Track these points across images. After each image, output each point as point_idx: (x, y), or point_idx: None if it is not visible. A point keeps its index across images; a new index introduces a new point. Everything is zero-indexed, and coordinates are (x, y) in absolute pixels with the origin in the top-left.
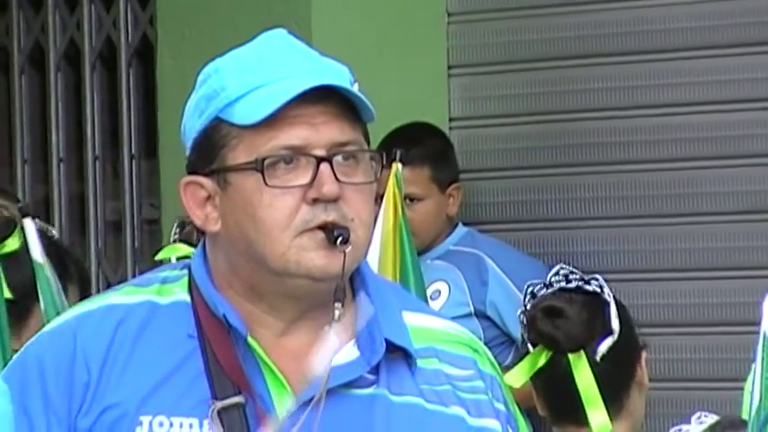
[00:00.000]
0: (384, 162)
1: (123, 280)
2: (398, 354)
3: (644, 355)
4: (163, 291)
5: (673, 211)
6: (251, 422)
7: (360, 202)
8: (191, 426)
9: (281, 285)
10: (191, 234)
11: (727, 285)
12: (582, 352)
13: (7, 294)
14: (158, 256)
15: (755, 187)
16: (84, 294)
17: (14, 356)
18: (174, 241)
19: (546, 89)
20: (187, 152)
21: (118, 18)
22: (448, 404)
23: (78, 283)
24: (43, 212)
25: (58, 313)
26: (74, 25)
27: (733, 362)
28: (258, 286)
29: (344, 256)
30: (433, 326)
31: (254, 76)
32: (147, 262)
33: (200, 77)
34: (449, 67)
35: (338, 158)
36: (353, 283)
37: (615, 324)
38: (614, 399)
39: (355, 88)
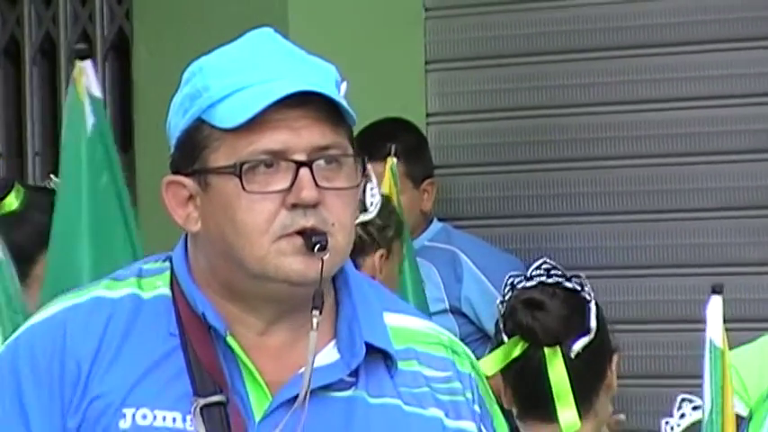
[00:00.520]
0: (366, 163)
1: None
2: (378, 355)
3: (615, 358)
4: (144, 284)
5: (650, 208)
6: (231, 421)
7: (340, 206)
8: (174, 420)
9: (259, 288)
10: None
11: (702, 282)
12: (558, 347)
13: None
14: None
15: (733, 184)
16: None
17: (3, 346)
18: None
19: (524, 85)
20: (171, 149)
21: (94, 12)
22: (426, 406)
23: None
24: None
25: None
26: (49, 19)
27: None
28: (237, 288)
29: (322, 263)
30: (413, 326)
31: (236, 78)
32: None
33: (185, 75)
34: (426, 63)
35: (320, 163)
36: (336, 282)
37: (593, 323)
38: (584, 398)
39: (343, 88)
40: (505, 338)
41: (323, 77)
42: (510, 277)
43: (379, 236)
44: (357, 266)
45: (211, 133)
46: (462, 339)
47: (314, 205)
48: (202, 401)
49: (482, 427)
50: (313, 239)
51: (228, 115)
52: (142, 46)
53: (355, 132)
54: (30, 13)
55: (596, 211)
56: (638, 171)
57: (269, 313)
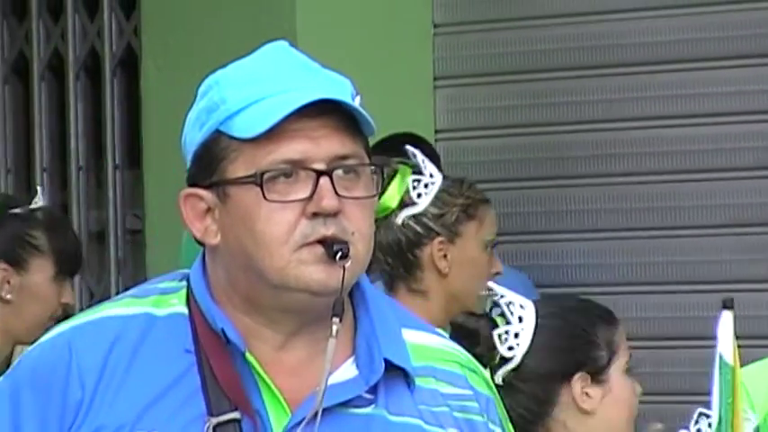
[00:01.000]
0: (384, 173)
1: (106, 290)
2: (397, 372)
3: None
4: (160, 302)
5: (658, 224)
6: None
7: (360, 215)
8: None
9: (279, 299)
10: None
11: (710, 298)
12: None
13: None
14: None
15: (741, 200)
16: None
17: (11, 367)
18: None
19: (532, 101)
20: (187, 164)
21: (102, 28)
22: (445, 426)
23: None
24: None
25: None
26: (58, 35)
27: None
28: (256, 300)
29: (344, 271)
30: (431, 344)
31: (254, 89)
32: (130, 272)
33: (201, 89)
34: (435, 79)
35: (338, 172)
36: (353, 298)
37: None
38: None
39: (357, 101)
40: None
41: (339, 89)
42: None
43: (435, 224)
44: (415, 258)
45: (229, 144)
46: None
47: (334, 214)
48: (215, 420)
49: None
50: (334, 248)
51: (247, 126)
52: (150, 62)
53: None
54: (38, 28)
55: (604, 227)
56: (646, 188)
57: (288, 326)
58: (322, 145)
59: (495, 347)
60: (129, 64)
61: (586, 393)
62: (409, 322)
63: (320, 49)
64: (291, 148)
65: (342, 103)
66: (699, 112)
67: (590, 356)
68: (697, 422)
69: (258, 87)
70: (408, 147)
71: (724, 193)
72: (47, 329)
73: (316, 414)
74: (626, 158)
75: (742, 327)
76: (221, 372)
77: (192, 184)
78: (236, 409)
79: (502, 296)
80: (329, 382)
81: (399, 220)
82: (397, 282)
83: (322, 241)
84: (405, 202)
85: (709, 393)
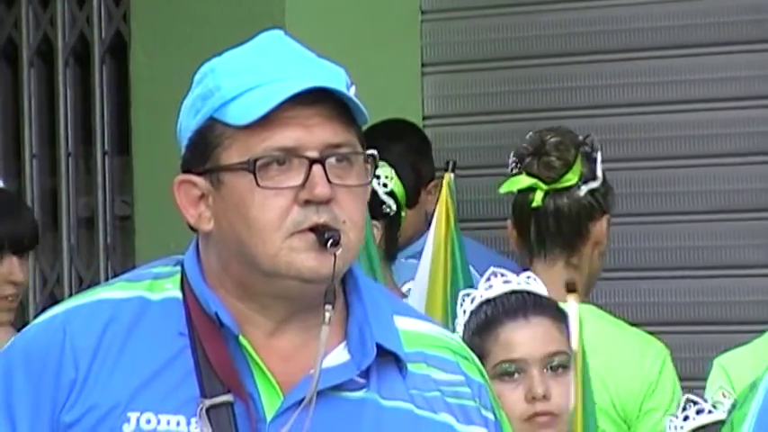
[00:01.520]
0: (377, 161)
1: (96, 276)
2: (389, 358)
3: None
4: (154, 287)
5: (649, 210)
6: (239, 421)
7: (352, 204)
8: (178, 423)
9: (271, 286)
10: None
11: (702, 284)
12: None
13: None
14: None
15: (732, 186)
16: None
17: (5, 347)
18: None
19: (520, 87)
20: (182, 151)
21: (91, 14)
22: (437, 411)
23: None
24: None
25: None
26: (47, 21)
27: (704, 361)
28: (249, 286)
29: (335, 259)
30: (423, 330)
31: (249, 77)
32: (119, 258)
33: (197, 77)
34: (423, 65)
35: (331, 160)
36: (345, 285)
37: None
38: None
39: (351, 91)
40: None
41: (334, 78)
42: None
43: (604, 201)
44: (587, 232)
45: (224, 131)
46: None
47: (326, 202)
48: (208, 402)
49: None
50: (326, 235)
51: (242, 113)
52: (139, 48)
53: None
54: (27, 15)
55: None
56: (633, 173)
57: (280, 313)
58: (315, 133)
59: None
60: (119, 50)
61: None
62: (401, 310)
63: (309, 35)
64: (285, 136)
65: (335, 91)
66: (686, 98)
67: None
68: (685, 409)
69: (253, 75)
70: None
71: (715, 178)
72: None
73: (310, 398)
74: (614, 144)
75: (738, 312)
76: (215, 354)
77: (186, 171)
78: (228, 392)
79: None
80: (315, 366)
81: (582, 192)
82: (555, 256)
83: (314, 229)
84: (586, 177)
85: (697, 379)
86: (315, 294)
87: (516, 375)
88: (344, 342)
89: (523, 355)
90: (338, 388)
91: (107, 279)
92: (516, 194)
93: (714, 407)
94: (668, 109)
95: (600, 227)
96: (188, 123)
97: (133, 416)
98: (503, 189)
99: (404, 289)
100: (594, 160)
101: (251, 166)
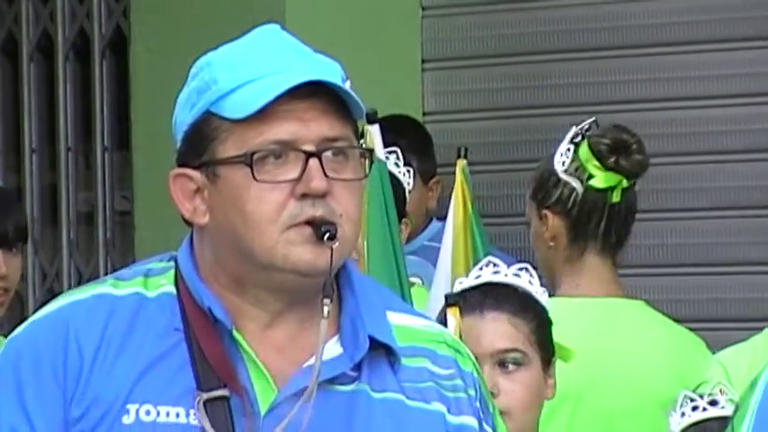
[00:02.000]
0: (372, 157)
1: (95, 271)
2: (381, 351)
3: None
4: (149, 283)
5: (646, 207)
6: (235, 415)
7: (348, 198)
8: (177, 415)
9: (267, 279)
10: None
11: (701, 281)
12: None
13: None
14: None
15: (731, 183)
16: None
17: (6, 342)
18: None
19: (520, 84)
20: (177, 145)
21: (91, 9)
22: (429, 400)
23: None
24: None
25: None
26: (47, 16)
27: None
28: (244, 279)
29: (332, 252)
30: (416, 325)
31: (245, 71)
32: (119, 253)
33: (193, 70)
34: (423, 61)
35: (327, 154)
36: (338, 279)
37: None
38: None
39: (347, 86)
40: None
41: (330, 72)
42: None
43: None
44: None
45: (220, 125)
46: None
47: (322, 195)
48: (206, 396)
49: (484, 425)
50: (322, 228)
51: (238, 106)
52: (139, 43)
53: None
54: (27, 10)
55: None
56: None
57: (275, 305)
58: (311, 126)
59: None
60: (119, 45)
61: None
62: (394, 305)
63: (309, 30)
64: (282, 129)
65: (332, 85)
66: (689, 94)
67: None
68: (683, 405)
69: (249, 69)
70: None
71: (713, 175)
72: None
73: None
74: None
75: (737, 310)
76: (209, 349)
77: (181, 164)
78: (224, 386)
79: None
80: (315, 360)
81: (638, 187)
82: (613, 251)
83: (310, 222)
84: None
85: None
86: (310, 287)
87: None
88: (337, 335)
89: (474, 350)
90: (330, 381)
91: (106, 274)
92: (587, 189)
93: (711, 404)
94: (671, 105)
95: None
96: (184, 117)
97: (132, 408)
98: (602, 184)
99: None
100: None
101: (248, 160)
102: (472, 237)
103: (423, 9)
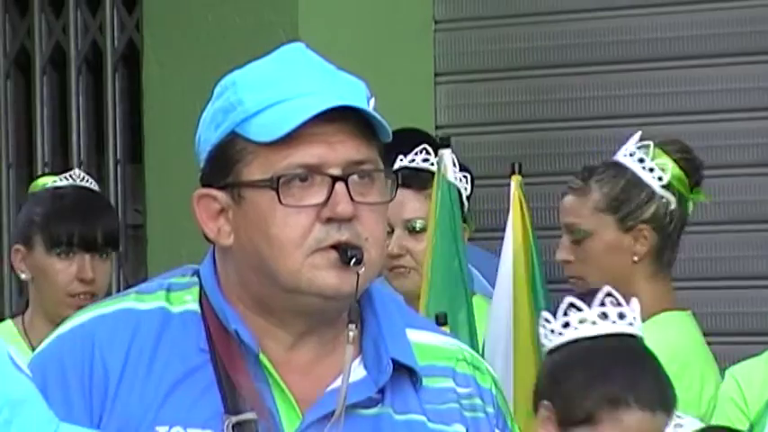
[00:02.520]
0: (399, 181)
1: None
2: (403, 371)
3: None
4: (173, 298)
5: None
6: None
7: (373, 221)
8: None
9: (291, 302)
10: None
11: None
12: None
13: None
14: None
15: (740, 197)
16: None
17: (32, 356)
18: None
19: (532, 97)
20: (201, 164)
21: (104, 23)
22: (449, 422)
23: None
24: None
25: None
26: (60, 29)
27: None
28: (268, 301)
29: (358, 277)
30: (436, 342)
31: (271, 92)
32: (131, 267)
33: (217, 89)
34: (435, 75)
35: (354, 177)
36: (360, 300)
37: None
38: None
39: (371, 103)
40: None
41: (355, 93)
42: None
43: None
44: None
45: (246, 147)
46: None
47: (348, 219)
48: (234, 419)
49: None
50: (349, 253)
51: (265, 129)
52: (152, 56)
53: None
54: (40, 23)
55: None
56: None
57: (298, 327)
58: (338, 150)
59: None
60: (131, 59)
61: None
62: (414, 321)
63: (322, 45)
64: (308, 153)
65: (359, 109)
66: (699, 108)
67: None
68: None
69: (275, 90)
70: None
71: (722, 189)
72: (75, 307)
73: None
74: None
75: (744, 323)
76: (235, 371)
77: (205, 185)
78: (252, 409)
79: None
80: (339, 384)
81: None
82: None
83: (336, 246)
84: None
85: None
86: (334, 311)
87: None
88: (360, 357)
89: None
90: (354, 404)
91: (119, 287)
92: (679, 205)
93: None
94: (678, 120)
95: None
96: (208, 136)
97: (162, 429)
98: (690, 199)
99: None
100: None
101: (274, 184)
102: (531, 264)
103: (435, 23)
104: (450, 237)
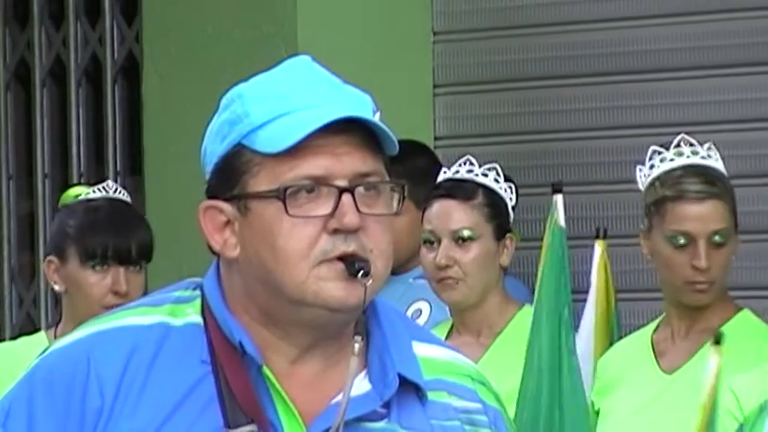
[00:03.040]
0: (405, 191)
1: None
2: (409, 386)
3: None
4: (176, 311)
5: None
6: None
7: (380, 233)
8: None
9: (297, 314)
10: None
11: None
12: None
13: None
14: None
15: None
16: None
17: (25, 372)
18: None
19: (531, 109)
20: (207, 176)
21: (104, 35)
22: None
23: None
24: (27, 228)
25: None
26: (60, 42)
27: None
28: (274, 313)
29: (365, 290)
30: (441, 357)
31: (278, 104)
32: None
33: (223, 102)
34: (434, 86)
35: (360, 189)
36: (365, 312)
37: None
38: None
39: (377, 117)
40: None
41: (361, 105)
42: None
43: None
44: None
45: (252, 158)
46: None
47: (354, 231)
48: None
49: None
50: (356, 265)
51: (271, 140)
52: (152, 69)
53: None
54: (40, 36)
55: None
56: None
57: (303, 339)
58: (345, 162)
59: None
60: (131, 71)
61: None
62: (420, 335)
63: (321, 56)
64: (315, 164)
65: (366, 121)
66: (694, 120)
67: None
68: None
69: (282, 102)
70: None
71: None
72: None
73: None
74: (624, 166)
75: None
76: (236, 384)
77: (211, 197)
78: (252, 422)
79: None
80: (342, 397)
81: None
82: None
83: (342, 258)
84: None
85: None
86: (340, 323)
87: None
88: (365, 371)
89: None
90: (360, 418)
91: None
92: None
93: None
94: (675, 131)
95: None
96: (214, 148)
97: None
98: None
99: (413, 308)
100: None
101: (281, 195)
102: (610, 321)
103: (434, 34)
104: (557, 288)
